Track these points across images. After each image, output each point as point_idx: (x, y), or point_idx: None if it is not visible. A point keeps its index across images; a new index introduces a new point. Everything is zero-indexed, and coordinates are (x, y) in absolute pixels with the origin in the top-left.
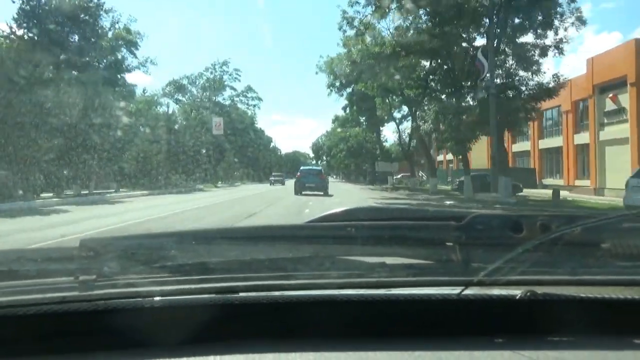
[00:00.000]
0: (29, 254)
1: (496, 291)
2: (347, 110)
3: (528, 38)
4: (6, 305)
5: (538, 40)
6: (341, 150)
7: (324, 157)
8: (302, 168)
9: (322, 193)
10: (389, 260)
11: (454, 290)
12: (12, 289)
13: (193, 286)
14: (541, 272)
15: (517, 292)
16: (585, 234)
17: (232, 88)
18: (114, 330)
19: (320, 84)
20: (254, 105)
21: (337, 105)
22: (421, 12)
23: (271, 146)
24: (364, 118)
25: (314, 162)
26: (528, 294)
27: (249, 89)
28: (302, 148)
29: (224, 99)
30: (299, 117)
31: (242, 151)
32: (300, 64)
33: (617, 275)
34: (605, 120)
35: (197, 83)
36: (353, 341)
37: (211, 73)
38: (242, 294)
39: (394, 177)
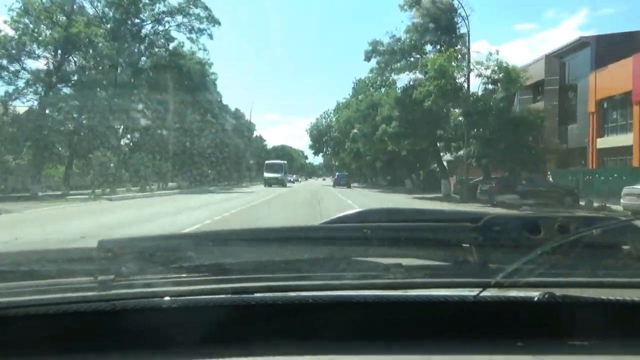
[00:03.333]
0: (49, 254)
1: (514, 293)
2: None
3: None
4: (29, 304)
5: None
6: (389, 118)
7: (329, 148)
8: (337, 173)
9: (346, 186)
10: (405, 261)
11: (472, 292)
12: (33, 288)
13: (209, 286)
14: (560, 274)
15: (535, 294)
16: (604, 236)
17: None
18: (130, 329)
19: (319, 82)
20: (203, 32)
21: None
22: None
23: (254, 136)
24: None
25: (308, 158)
26: (546, 296)
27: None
28: (296, 145)
29: (143, 20)
30: (294, 117)
31: (178, 127)
32: (296, 61)
33: (639, 277)
34: None
35: None
36: (369, 343)
37: None
38: (257, 295)
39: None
